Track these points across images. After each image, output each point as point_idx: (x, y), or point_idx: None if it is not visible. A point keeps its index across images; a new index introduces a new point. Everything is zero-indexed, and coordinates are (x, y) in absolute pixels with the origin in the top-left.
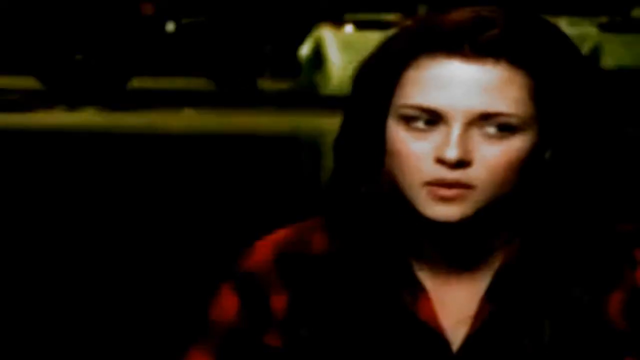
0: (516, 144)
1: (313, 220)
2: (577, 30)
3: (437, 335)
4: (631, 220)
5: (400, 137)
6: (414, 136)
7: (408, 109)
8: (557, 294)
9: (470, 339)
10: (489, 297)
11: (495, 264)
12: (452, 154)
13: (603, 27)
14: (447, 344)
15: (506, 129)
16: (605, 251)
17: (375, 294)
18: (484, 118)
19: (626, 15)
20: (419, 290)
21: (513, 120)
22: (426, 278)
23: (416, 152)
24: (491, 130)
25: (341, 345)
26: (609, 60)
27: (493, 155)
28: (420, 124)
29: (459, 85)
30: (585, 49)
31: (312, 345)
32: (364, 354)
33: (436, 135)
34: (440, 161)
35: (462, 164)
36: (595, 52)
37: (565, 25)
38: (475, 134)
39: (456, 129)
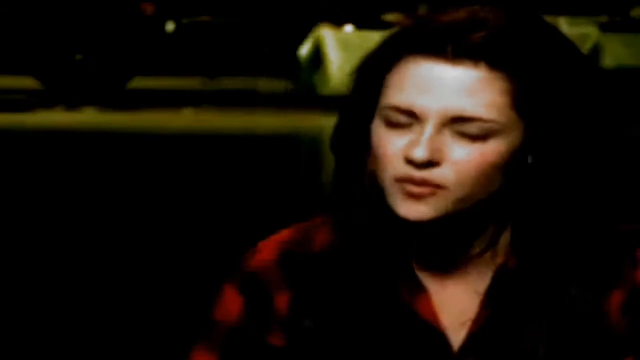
0: (492, 148)
1: (315, 220)
2: (577, 30)
3: (438, 335)
4: (631, 220)
5: (380, 136)
6: (391, 136)
7: (388, 110)
8: (556, 294)
9: (471, 339)
10: (489, 298)
11: (494, 263)
12: (419, 153)
13: (603, 27)
14: (447, 343)
15: (481, 132)
16: (605, 251)
17: (377, 292)
18: (458, 121)
19: (626, 15)
20: (419, 289)
21: (488, 126)
22: (426, 277)
23: (390, 151)
24: (465, 132)
25: (343, 344)
26: (609, 60)
27: (463, 158)
28: (399, 125)
29: (436, 86)
30: (585, 49)
31: (315, 344)
32: (366, 352)
33: (411, 135)
34: (409, 160)
35: (429, 164)
36: (596, 52)
37: (565, 25)
38: (449, 135)
39: (428, 130)
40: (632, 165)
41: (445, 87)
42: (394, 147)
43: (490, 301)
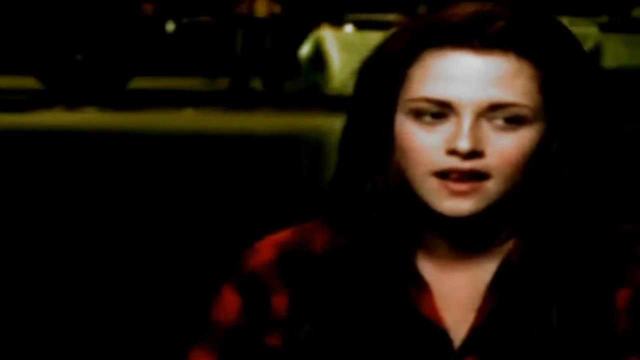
0: (526, 135)
1: (314, 221)
2: (577, 30)
3: (439, 332)
4: (633, 219)
5: (409, 130)
6: (423, 129)
7: (417, 102)
8: (560, 290)
9: (474, 332)
10: (492, 292)
11: (498, 257)
12: (464, 144)
13: (603, 27)
14: (449, 340)
15: (516, 120)
16: (609, 248)
17: (377, 290)
18: (493, 109)
19: (626, 15)
20: (421, 284)
21: (522, 111)
22: (429, 272)
23: (426, 144)
24: (501, 121)
25: (343, 344)
26: (609, 60)
27: (504, 146)
28: (428, 117)
29: (468, 77)
30: (585, 48)
31: (313, 345)
32: (366, 350)
33: (446, 127)
34: (453, 152)
35: (474, 154)
36: (596, 52)
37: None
38: (485, 125)
39: (467, 120)
40: (632, 165)
41: (477, 78)
42: (429, 141)
43: (493, 294)
